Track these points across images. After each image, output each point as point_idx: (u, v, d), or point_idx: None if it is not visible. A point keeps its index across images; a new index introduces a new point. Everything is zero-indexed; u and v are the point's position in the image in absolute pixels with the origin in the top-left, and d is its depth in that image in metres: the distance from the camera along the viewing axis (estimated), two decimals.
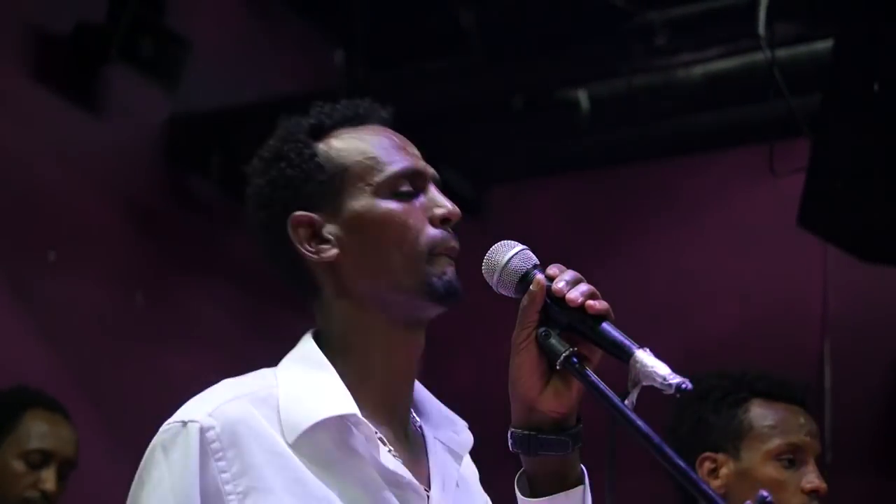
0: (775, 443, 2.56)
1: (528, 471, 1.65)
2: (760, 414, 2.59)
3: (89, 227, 4.76)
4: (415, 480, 1.63)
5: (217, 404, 1.60)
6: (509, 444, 1.64)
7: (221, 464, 1.57)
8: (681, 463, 1.47)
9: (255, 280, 5.23)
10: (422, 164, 1.72)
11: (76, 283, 4.63)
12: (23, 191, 4.49)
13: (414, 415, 1.74)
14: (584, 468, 1.68)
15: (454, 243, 1.68)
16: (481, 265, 1.65)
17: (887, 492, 5.24)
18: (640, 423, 1.50)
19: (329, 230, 1.67)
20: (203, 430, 1.57)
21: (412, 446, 1.70)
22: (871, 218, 4.07)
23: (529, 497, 1.64)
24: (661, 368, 1.52)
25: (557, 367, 1.59)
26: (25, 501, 3.49)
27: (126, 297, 4.82)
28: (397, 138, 1.74)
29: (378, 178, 1.68)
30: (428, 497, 1.65)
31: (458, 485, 1.72)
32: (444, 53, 4.94)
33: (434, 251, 1.66)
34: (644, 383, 1.53)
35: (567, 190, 5.77)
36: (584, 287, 1.59)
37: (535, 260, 1.64)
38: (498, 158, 5.69)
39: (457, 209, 1.69)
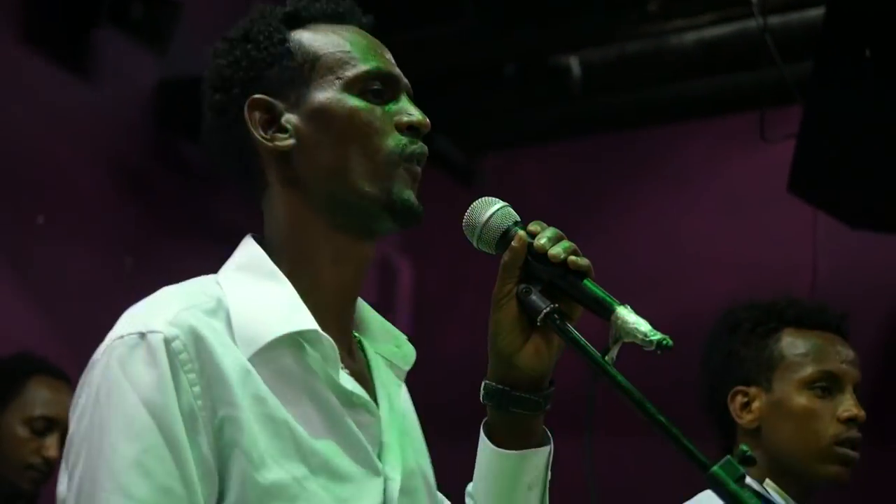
0: (808, 371, 2.48)
1: (493, 423, 1.64)
2: (792, 343, 2.51)
3: (78, 190, 4.74)
4: (370, 401, 1.58)
5: (175, 312, 1.46)
6: (481, 394, 1.63)
7: (191, 376, 1.43)
8: (663, 418, 1.47)
9: (237, 238, 5.20)
10: (397, 70, 1.64)
11: (65, 246, 4.62)
12: (11, 154, 4.47)
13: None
14: (547, 430, 1.67)
15: (422, 151, 1.60)
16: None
17: (878, 457, 5.25)
18: (621, 378, 1.50)
19: (288, 119, 1.58)
20: (168, 341, 1.43)
21: (356, 362, 1.63)
22: (862, 184, 4.07)
23: (494, 446, 1.62)
24: (642, 325, 1.51)
25: (538, 324, 1.58)
26: (29, 467, 3.50)
27: (115, 261, 4.81)
28: (373, 40, 1.65)
29: (350, 72, 1.59)
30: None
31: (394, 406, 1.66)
32: (437, 20, 4.91)
33: (401, 156, 1.58)
34: (625, 340, 1.53)
35: (559, 157, 5.76)
36: (566, 243, 1.58)
37: (516, 217, 1.63)
38: (490, 126, 5.68)
39: (427, 119, 1.61)
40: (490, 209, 1.61)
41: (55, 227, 4.60)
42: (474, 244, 1.63)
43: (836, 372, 2.48)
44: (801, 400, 2.46)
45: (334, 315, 1.60)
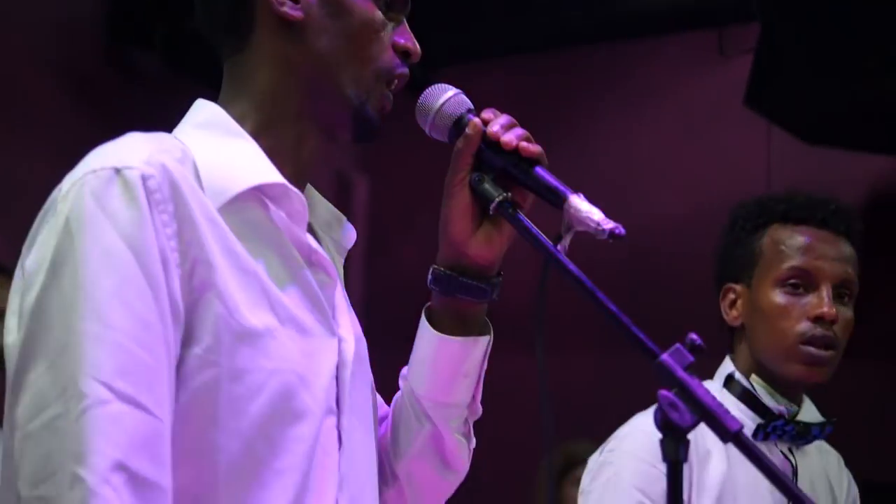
0: (780, 267, 2.41)
1: (437, 310, 1.65)
2: (773, 239, 2.45)
3: (28, 98, 4.68)
4: (330, 261, 1.57)
5: (149, 152, 1.42)
6: (428, 279, 1.63)
7: (164, 217, 1.39)
8: (612, 307, 1.46)
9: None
10: None
11: (14, 155, 4.56)
12: None
13: None
14: (489, 322, 1.67)
15: (405, 75, 1.60)
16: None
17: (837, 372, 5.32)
18: (572, 266, 1.49)
19: None
20: (145, 178, 1.39)
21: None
22: (817, 99, 4.08)
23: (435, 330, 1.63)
24: (594, 213, 1.50)
25: (490, 212, 1.57)
26: None
27: (65, 168, 4.74)
28: None
29: None
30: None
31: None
32: None
33: (388, 75, 1.58)
34: (577, 228, 1.52)
35: (516, 72, 5.73)
36: (518, 130, 1.57)
37: (469, 104, 1.62)
38: (448, 40, 5.63)
39: (419, 51, 1.61)
40: (443, 96, 1.60)
41: (3, 133, 4.54)
42: (427, 131, 1.61)
43: (809, 268, 2.40)
44: (773, 297, 2.41)
45: (293, 181, 1.56)
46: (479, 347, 1.64)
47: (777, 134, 5.08)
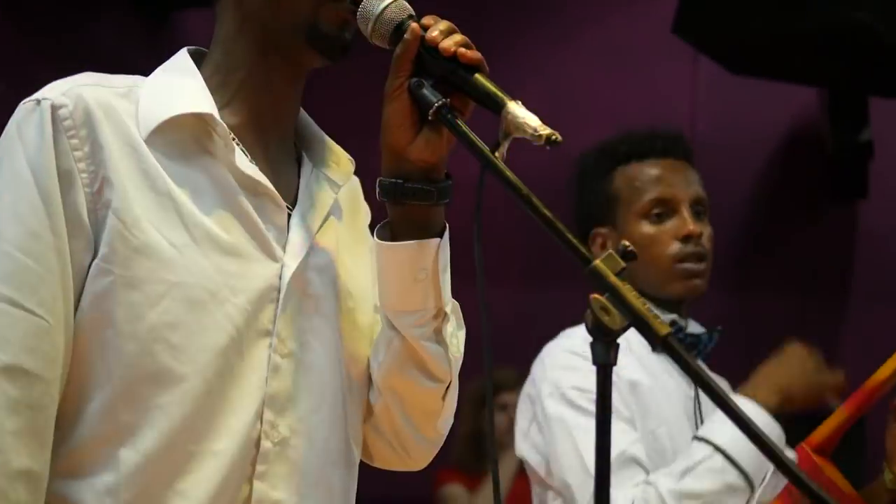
0: (641, 201, 2.55)
1: (393, 221, 1.65)
2: (624, 177, 2.58)
3: None
4: (273, 189, 1.63)
5: (72, 85, 1.59)
6: (377, 192, 1.64)
7: (74, 141, 1.55)
8: (548, 213, 1.48)
9: (118, 70, 5.09)
10: None
11: None
12: None
13: (297, 147, 1.74)
14: (447, 225, 1.68)
15: None
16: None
17: (749, 309, 5.42)
18: (509, 173, 1.50)
19: None
20: (55, 108, 1.55)
21: (283, 169, 1.69)
22: (743, 29, 4.11)
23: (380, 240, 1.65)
24: (532, 120, 1.52)
25: (429, 118, 1.57)
26: None
27: None
28: None
29: None
30: (289, 214, 1.65)
31: (331, 214, 1.71)
32: None
33: None
34: (515, 135, 1.52)
35: (442, 5, 5.70)
36: (457, 37, 1.57)
37: (410, 10, 1.61)
38: None
39: None
40: (384, 1, 1.60)
41: None
42: (367, 36, 1.61)
43: (666, 196, 2.54)
44: (641, 229, 2.54)
45: (259, 124, 1.66)
46: (427, 250, 1.63)
47: (703, 65, 5.12)
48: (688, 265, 2.53)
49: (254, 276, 1.59)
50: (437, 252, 1.64)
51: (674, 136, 2.64)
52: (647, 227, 2.55)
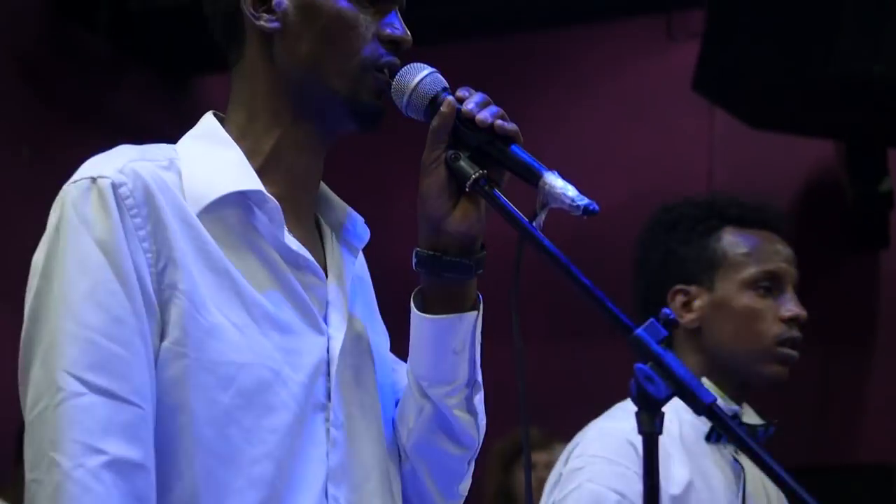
0: (751, 271, 2.42)
1: (426, 290, 1.66)
2: (734, 242, 2.45)
3: None
4: (316, 263, 1.63)
5: (124, 162, 1.54)
6: (413, 262, 1.65)
7: (137, 220, 1.52)
8: (588, 282, 1.49)
9: (142, 135, 5.12)
10: None
11: None
12: None
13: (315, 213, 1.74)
14: (480, 296, 1.69)
15: (394, 63, 1.63)
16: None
17: None
18: (547, 243, 1.52)
19: (280, 3, 1.61)
20: (115, 186, 1.51)
21: (310, 235, 1.69)
22: (761, 84, 4.14)
23: (421, 312, 1.65)
24: (569, 190, 1.53)
25: (467, 190, 1.59)
26: None
27: (12, 151, 4.72)
28: None
29: None
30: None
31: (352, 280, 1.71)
32: None
33: (374, 65, 1.61)
34: (552, 205, 1.54)
35: (461, 57, 5.74)
36: (493, 108, 1.59)
37: (444, 83, 1.63)
38: None
39: (409, 36, 1.65)
40: (419, 75, 1.61)
41: None
42: (402, 110, 1.63)
43: (778, 271, 2.44)
44: (744, 300, 2.42)
45: (290, 194, 1.64)
46: (464, 324, 1.64)
47: (720, 117, 5.14)
48: (787, 350, 2.43)
49: (307, 352, 1.59)
50: (475, 325, 1.65)
51: (780, 213, 2.53)
52: (752, 299, 2.43)
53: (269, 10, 1.62)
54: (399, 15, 1.67)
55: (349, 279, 1.69)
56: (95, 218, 1.51)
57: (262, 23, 1.61)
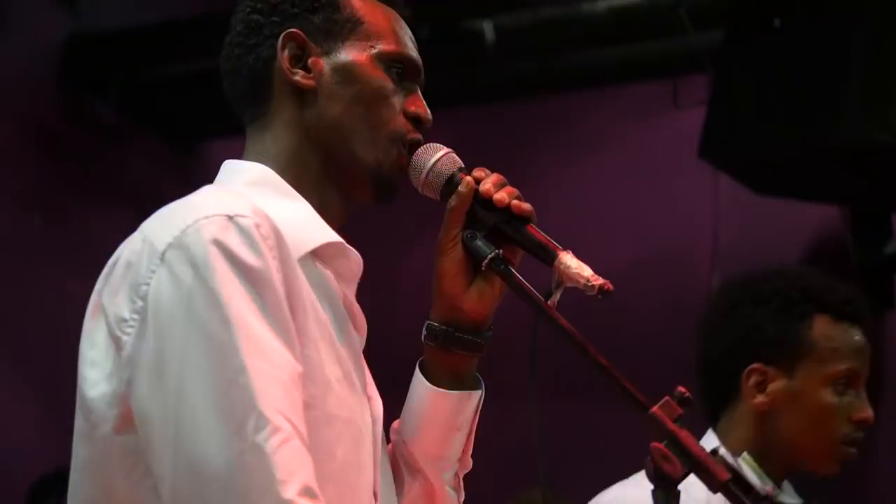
0: (836, 367, 2.38)
1: (430, 363, 1.69)
2: (825, 334, 2.40)
3: None
4: (364, 321, 1.64)
5: (248, 203, 1.47)
6: (423, 333, 1.67)
7: (276, 262, 1.45)
8: (604, 361, 1.52)
9: (152, 202, 5.17)
10: (421, 63, 1.71)
11: None
12: None
13: None
14: (479, 376, 1.71)
15: (418, 141, 1.66)
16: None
17: None
18: (563, 322, 1.55)
19: (315, 62, 1.63)
20: (257, 226, 1.44)
21: None
22: (768, 150, 4.17)
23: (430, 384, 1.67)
24: (584, 270, 1.57)
25: (483, 268, 1.62)
26: None
27: (24, 218, 4.76)
28: (410, 34, 1.72)
29: (386, 46, 1.65)
30: None
31: None
32: None
33: (401, 139, 1.65)
34: (567, 285, 1.57)
35: (470, 121, 5.78)
36: (509, 188, 1.63)
37: (460, 163, 1.67)
38: None
39: (430, 117, 1.68)
40: (435, 155, 1.65)
41: None
42: (419, 189, 1.66)
43: (859, 372, 2.42)
44: (825, 395, 2.39)
45: None
46: (472, 402, 1.68)
47: (725, 182, 5.17)
48: (850, 450, 2.41)
49: (365, 410, 1.59)
50: (478, 405, 1.69)
51: (869, 308, 2.50)
52: (830, 396, 2.39)
53: (305, 68, 1.63)
54: (422, 92, 1.71)
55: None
56: (241, 250, 1.42)
57: (297, 78, 1.62)
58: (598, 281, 1.56)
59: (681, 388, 1.50)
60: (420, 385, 1.68)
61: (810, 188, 4.56)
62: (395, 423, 1.73)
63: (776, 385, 2.40)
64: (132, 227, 5.23)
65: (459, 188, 1.62)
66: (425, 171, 1.64)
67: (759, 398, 2.41)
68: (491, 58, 5.09)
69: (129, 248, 1.48)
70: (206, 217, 1.43)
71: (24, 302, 4.65)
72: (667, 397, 1.49)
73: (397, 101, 1.65)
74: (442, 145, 1.67)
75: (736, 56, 4.20)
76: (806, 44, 4.03)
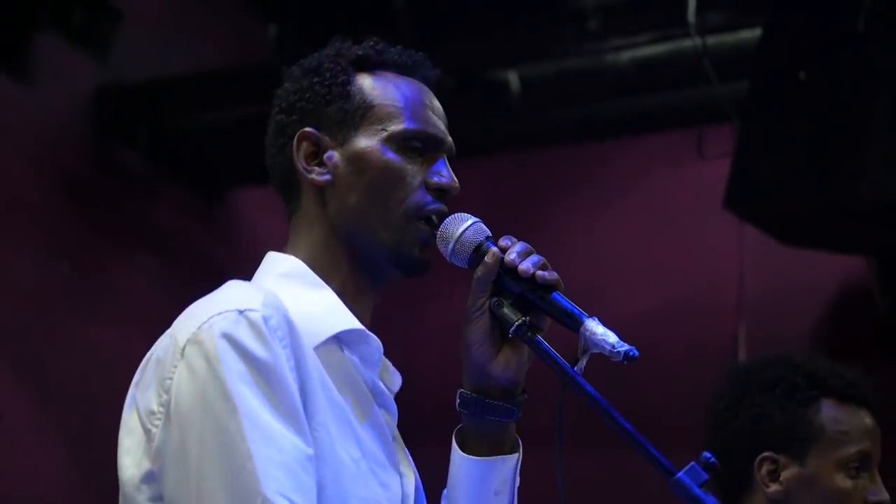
0: (847, 451, 2.39)
1: (467, 431, 1.71)
2: (832, 418, 2.40)
3: (15, 195, 4.71)
4: (393, 401, 1.70)
5: (261, 297, 1.57)
6: (457, 403, 1.70)
7: (287, 352, 1.54)
8: (629, 426, 1.53)
9: (181, 251, 5.23)
10: (443, 131, 1.74)
11: (1, 251, 4.59)
12: None
13: None
14: (518, 438, 1.74)
15: (441, 210, 1.70)
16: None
17: None
18: (589, 388, 1.57)
19: (330, 156, 1.69)
20: (266, 319, 1.54)
21: None
22: (794, 201, 4.17)
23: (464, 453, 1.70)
24: (610, 337, 1.59)
25: (510, 336, 1.64)
26: None
27: (52, 267, 4.79)
28: (430, 100, 1.76)
29: (394, 127, 1.69)
30: None
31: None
32: (376, 32, 4.93)
33: (418, 214, 1.68)
34: (593, 351, 1.59)
35: (495, 171, 5.81)
36: (534, 258, 1.66)
37: (487, 232, 1.69)
38: None
39: (457, 183, 1.72)
40: (463, 224, 1.68)
41: None
42: (447, 258, 1.69)
43: (871, 453, 2.42)
44: (838, 480, 2.39)
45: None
46: (507, 466, 1.70)
47: (750, 232, 5.17)
48: None
49: (393, 488, 1.64)
50: (516, 467, 1.69)
51: (874, 386, 2.49)
52: (843, 481, 2.38)
53: (321, 164, 1.70)
54: (447, 162, 1.74)
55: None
56: (251, 344, 1.52)
57: (313, 176, 1.69)
58: (624, 347, 1.58)
59: (706, 454, 1.51)
60: (455, 454, 1.71)
61: (835, 240, 4.56)
62: (445, 491, 1.76)
63: (788, 473, 2.40)
64: (159, 276, 5.32)
65: (485, 259, 1.65)
66: (452, 242, 1.67)
67: (773, 487, 2.41)
68: (516, 107, 5.12)
69: (161, 346, 1.58)
70: (219, 313, 1.54)
71: (51, 350, 4.67)
72: (692, 463, 1.50)
73: (415, 176, 1.69)
74: (469, 215, 1.69)
75: (760, 107, 4.21)
76: (830, 95, 4.04)
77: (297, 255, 1.71)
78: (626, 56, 4.92)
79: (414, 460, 1.76)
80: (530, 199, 5.71)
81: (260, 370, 1.51)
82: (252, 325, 1.52)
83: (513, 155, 5.77)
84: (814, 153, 4.04)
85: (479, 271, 1.65)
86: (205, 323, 1.54)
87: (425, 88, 1.77)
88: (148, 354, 1.60)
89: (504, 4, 4.73)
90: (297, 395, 1.52)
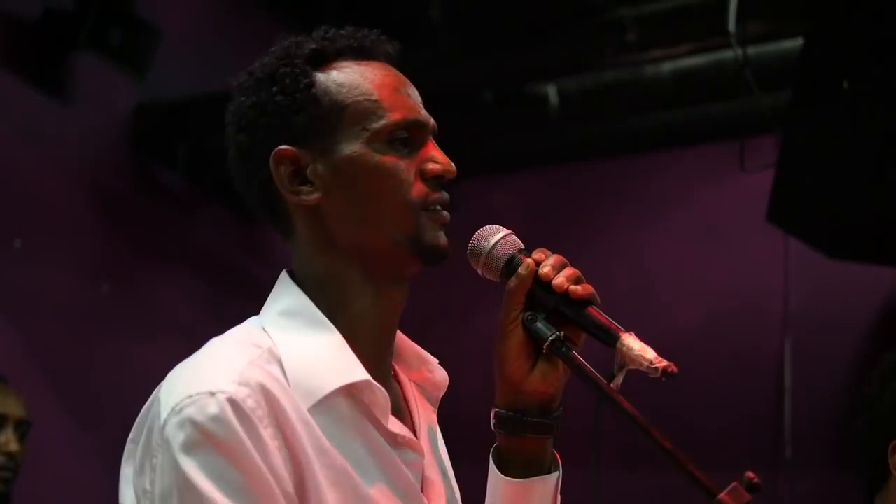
0: None
1: (504, 450, 1.66)
2: None
3: (55, 214, 4.73)
4: (416, 440, 1.61)
5: (238, 370, 1.47)
6: (492, 422, 1.65)
7: (269, 431, 1.45)
8: (668, 445, 1.48)
9: (219, 269, 5.23)
10: (423, 114, 1.62)
11: (42, 270, 4.60)
12: None
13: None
14: (556, 454, 1.69)
15: (443, 199, 1.60)
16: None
17: (846, 490, 5.28)
18: (626, 404, 1.52)
19: (314, 170, 1.57)
20: (240, 401, 1.43)
21: (389, 383, 1.65)
22: (839, 214, 4.10)
23: (502, 475, 1.65)
24: (647, 352, 1.54)
25: (544, 351, 1.59)
26: None
27: (91, 286, 4.80)
28: (400, 80, 1.62)
29: (376, 124, 1.57)
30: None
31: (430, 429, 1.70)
32: (414, 47, 4.90)
33: (424, 207, 1.58)
34: (630, 367, 1.54)
35: (534, 184, 5.78)
36: (569, 271, 1.60)
37: (520, 244, 1.65)
38: (466, 152, 5.66)
39: (452, 166, 1.62)
40: (495, 236, 1.63)
41: (32, 250, 4.58)
42: (479, 271, 1.64)
43: None
44: None
45: (375, 354, 1.60)
46: (548, 485, 1.65)
47: (795, 245, 5.11)
48: None
49: None
50: (556, 485, 1.64)
51: None
52: None
53: (305, 181, 1.57)
54: (435, 142, 1.63)
55: (435, 434, 1.69)
56: (219, 434, 1.42)
57: (302, 197, 1.57)
58: (662, 363, 1.52)
59: (749, 474, 1.46)
60: (493, 475, 1.66)
61: (881, 252, 4.48)
62: None
63: None
64: (198, 295, 5.31)
65: (519, 270, 1.60)
66: (484, 254, 1.63)
67: None
68: (555, 121, 5.09)
69: (152, 410, 1.50)
70: (190, 397, 1.44)
71: (91, 368, 4.68)
72: (735, 483, 1.45)
73: (409, 170, 1.58)
74: (501, 227, 1.65)
75: (803, 117, 4.14)
76: (874, 105, 3.97)
77: (303, 282, 1.60)
78: (666, 68, 4.88)
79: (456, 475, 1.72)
80: (570, 213, 5.67)
81: (226, 453, 1.42)
82: (221, 409, 1.42)
83: (552, 169, 5.74)
84: (859, 163, 3.98)
85: (513, 283, 1.60)
86: (177, 405, 1.44)
87: (390, 69, 1.63)
88: (146, 405, 1.53)
89: (542, 17, 4.69)
90: (267, 471, 1.43)
